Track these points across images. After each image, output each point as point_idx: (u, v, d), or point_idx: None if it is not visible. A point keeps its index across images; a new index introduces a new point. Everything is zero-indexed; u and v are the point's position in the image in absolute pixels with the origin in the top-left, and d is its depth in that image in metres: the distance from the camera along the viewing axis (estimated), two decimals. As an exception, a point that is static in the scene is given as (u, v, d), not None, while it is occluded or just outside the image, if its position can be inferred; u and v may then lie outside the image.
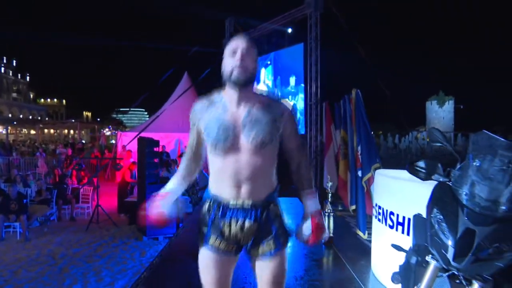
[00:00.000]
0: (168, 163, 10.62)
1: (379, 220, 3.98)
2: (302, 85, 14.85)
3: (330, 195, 5.45)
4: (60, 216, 9.38)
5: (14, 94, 69.58)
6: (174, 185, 2.10)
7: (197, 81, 15.96)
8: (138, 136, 9.30)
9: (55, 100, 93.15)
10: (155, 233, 7.43)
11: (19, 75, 72.40)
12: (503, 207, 1.58)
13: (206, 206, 2.02)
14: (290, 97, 15.51)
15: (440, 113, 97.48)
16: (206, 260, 1.99)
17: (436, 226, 1.73)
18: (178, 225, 7.73)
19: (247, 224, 1.91)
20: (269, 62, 17.41)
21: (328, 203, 5.33)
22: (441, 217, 1.72)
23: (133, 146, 11.94)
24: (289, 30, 15.21)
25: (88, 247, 7.07)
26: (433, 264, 1.79)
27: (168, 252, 5.00)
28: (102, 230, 8.22)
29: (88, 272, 5.69)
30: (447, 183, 1.85)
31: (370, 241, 4.62)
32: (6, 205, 7.73)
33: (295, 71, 15.32)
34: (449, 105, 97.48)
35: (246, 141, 1.87)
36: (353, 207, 5.81)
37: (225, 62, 1.94)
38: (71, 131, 51.54)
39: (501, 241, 1.55)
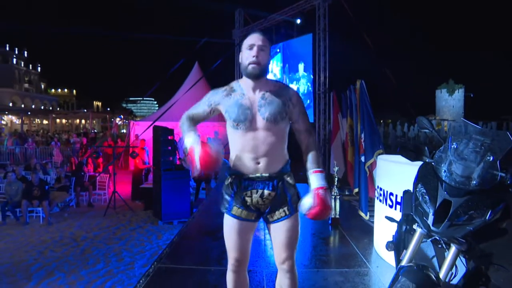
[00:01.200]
0: None
1: (380, 200, 4.28)
2: (305, 73, 15.12)
3: (336, 179, 5.75)
4: (78, 202, 9.83)
5: (26, 85, 69.82)
6: (194, 135, 2.20)
7: (208, 71, 16.23)
8: (152, 125, 9.60)
9: (66, 90, 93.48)
10: (170, 218, 7.83)
11: (30, 65, 72.45)
12: (474, 182, 1.90)
13: (229, 180, 2.30)
14: (294, 82, 15.85)
15: (450, 101, 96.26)
16: (230, 228, 2.30)
17: (420, 198, 2.06)
18: (192, 210, 8.13)
19: (266, 193, 2.22)
20: (278, 50, 17.63)
21: (335, 187, 5.63)
22: (424, 190, 2.04)
23: (146, 135, 12.30)
24: (298, 21, 15.35)
25: (107, 230, 7.48)
26: (418, 231, 2.11)
27: (186, 232, 5.34)
28: (119, 215, 8.65)
29: (109, 253, 6.09)
30: (431, 163, 2.17)
31: (373, 222, 4.93)
32: (29, 191, 8.16)
33: (303, 59, 15.53)
34: (459, 94, 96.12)
35: (262, 119, 2.18)
36: (357, 190, 6.10)
37: (242, 55, 2.24)
38: (83, 121, 52.00)
39: (472, 209, 1.87)
